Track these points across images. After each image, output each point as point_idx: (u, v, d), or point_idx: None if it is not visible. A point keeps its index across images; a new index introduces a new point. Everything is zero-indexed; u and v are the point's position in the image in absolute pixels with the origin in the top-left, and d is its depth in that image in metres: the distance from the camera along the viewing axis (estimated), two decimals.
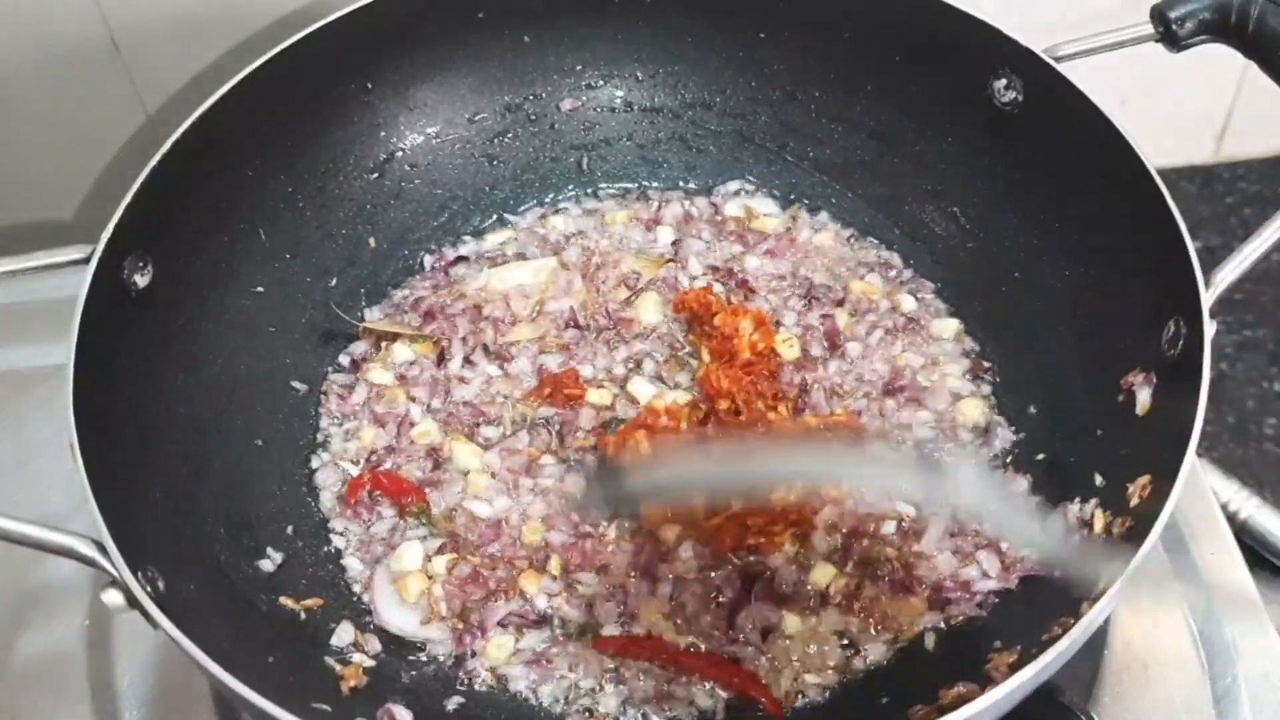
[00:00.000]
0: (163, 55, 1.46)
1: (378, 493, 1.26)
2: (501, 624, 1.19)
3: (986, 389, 1.32)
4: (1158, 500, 1.00)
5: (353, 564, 1.24)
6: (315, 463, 1.30)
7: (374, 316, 1.40)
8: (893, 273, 1.41)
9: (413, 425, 1.31)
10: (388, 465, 1.28)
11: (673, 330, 1.37)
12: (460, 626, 1.19)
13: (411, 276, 1.43)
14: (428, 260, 1.44)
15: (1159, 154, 1.15)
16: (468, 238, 1.46)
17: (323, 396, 1.34)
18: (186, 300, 1.24)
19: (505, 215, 1.48)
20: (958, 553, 1.19)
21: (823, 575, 1.18)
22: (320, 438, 1.32)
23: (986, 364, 1.33)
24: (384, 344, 1.37)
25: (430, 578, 1.21)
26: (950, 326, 1.36)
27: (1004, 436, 1.28)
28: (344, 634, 1.18)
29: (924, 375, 1.32)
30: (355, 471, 1.28)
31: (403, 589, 1.20)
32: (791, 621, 1.16)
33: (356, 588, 1.22)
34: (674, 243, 1.44)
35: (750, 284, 1.39)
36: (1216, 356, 1.04)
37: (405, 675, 1.16)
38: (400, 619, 1.19)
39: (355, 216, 1.42)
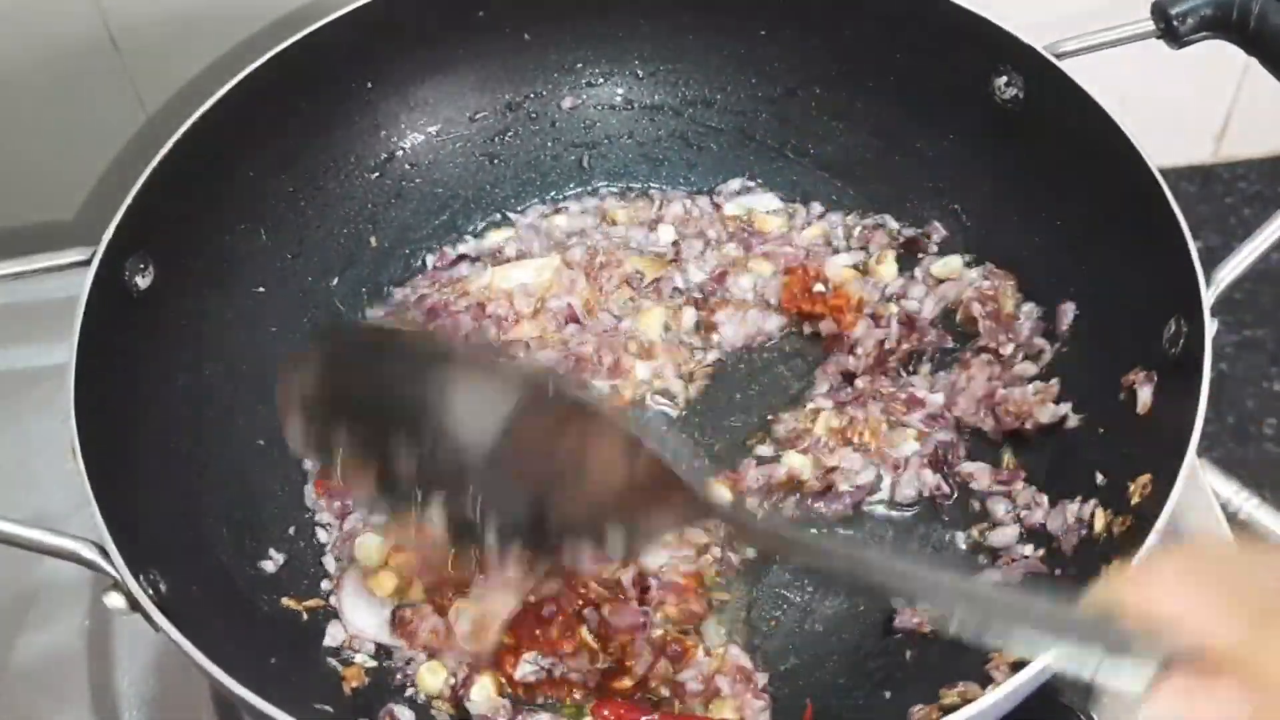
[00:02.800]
0: (163, 55, 1.46)
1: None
2: None
3: None
4: (1158, 499, 1.00)
5: (330, 563, 1.22)
6: None
7: (376, 315, 1.39)
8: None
9: None
10: None
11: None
12: None
13: (413, 275, 1.43)
14: (429, 259, 1.44)
15: (1158, 153, 1.15)
16: (469, 236, 1.46)
17: None
18: (188, 301, 1.24)
19: (507, 213, 1.48)
20: None
21: None
22: None
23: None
24: None
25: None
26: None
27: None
28: (335, 634, 1.17)
29: None
30: None
31: (375, 585, 1.17)
32: None
33: (326, 584, 1.21)
34: (674, 242, 1.43)
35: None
36: (1216, 356, 1.03)
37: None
38: (362, 622, 1.17)
39: (356, 216, 1.42)
